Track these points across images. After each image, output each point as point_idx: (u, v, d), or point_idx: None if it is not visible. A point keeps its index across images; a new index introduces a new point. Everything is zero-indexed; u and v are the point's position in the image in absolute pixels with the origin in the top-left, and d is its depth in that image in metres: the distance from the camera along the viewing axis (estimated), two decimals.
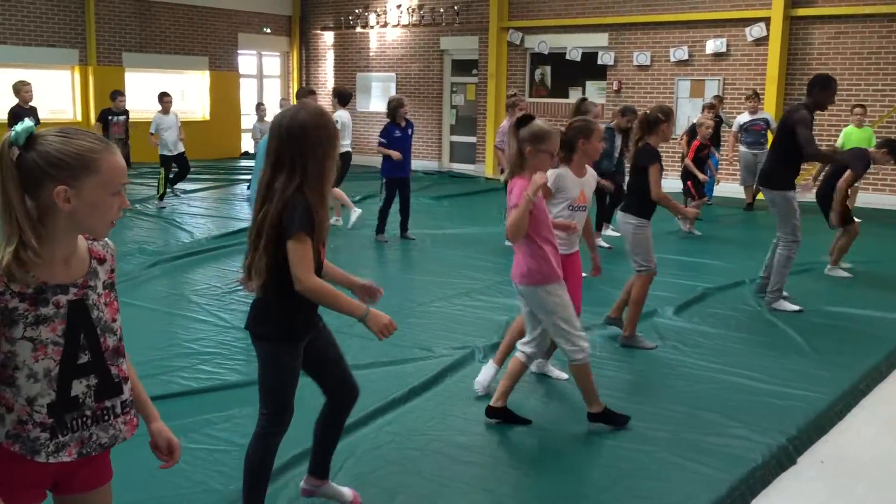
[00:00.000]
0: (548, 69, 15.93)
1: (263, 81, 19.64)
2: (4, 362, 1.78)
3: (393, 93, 17.43)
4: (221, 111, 17.98)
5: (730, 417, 4.23)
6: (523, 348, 4.10)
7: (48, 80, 15.27)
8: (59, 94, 15.69)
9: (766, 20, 13.16)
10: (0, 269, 1.73)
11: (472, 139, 17.05)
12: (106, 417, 1.90)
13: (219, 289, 6.84)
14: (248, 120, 17.22)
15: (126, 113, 11.57)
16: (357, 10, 18.18)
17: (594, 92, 15.27)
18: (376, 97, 17.85)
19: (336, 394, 3.16)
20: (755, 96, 11.84)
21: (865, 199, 12.00)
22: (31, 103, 10.12)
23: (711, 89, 13.79)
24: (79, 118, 15.88)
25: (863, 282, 7.41)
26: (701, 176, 9.70)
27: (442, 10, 16.93)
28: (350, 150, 10.27)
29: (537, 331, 4.05)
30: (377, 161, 9.80)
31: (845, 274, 7.58)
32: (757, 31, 13.31)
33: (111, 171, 1.80)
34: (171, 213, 10.80)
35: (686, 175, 9.99)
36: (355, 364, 4.89)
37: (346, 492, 3.30)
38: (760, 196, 11.15)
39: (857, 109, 10.84)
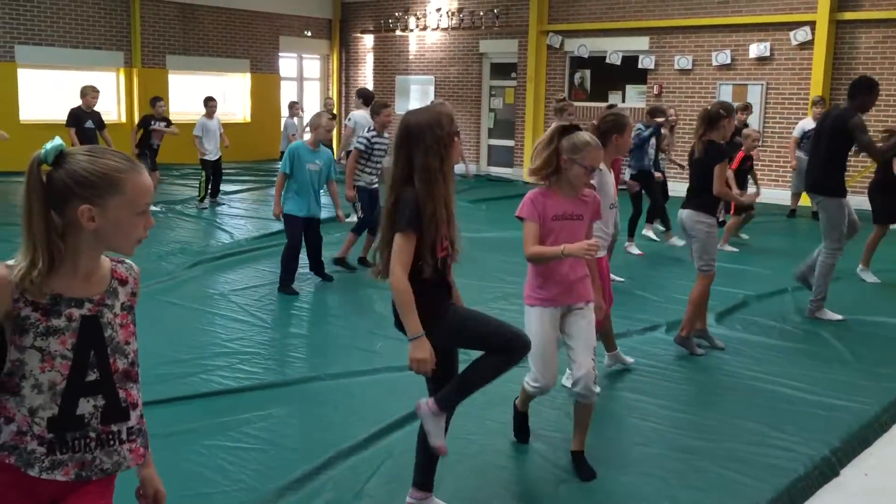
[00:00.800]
0: (587, 73, 15.85)
1: (303, 84, 19.82)
2: (12, 371, 1.77)
3: (431, 96, 17.50)
4: (262, 113, 18.17)
5: (771, 427, 4.16)
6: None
7: (94, 81, 15.48)
8: (104, 96, 15.92)
9: (812, 24, 12.95)
10: (13, 281, 1.74)
11: (510, 143, 17.02)
12: (111, 442, 1.84)
13: (258, 289, 6.91)
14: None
15: (166, 119, 11.70)
16: (397, 14, 18.26)
17: (634, 96, 15.17)
18: (415, 100, 17.90)
19: (498, 347, 3.04)
20: (822, 102, 11.32)
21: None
22: (93, 108, 10.28)
23: (754, 94, 13.61)
24: (123, 119, 16.16)
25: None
26: (735, 193, 9.21)
27: (481, 14, 16.93)
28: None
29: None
30: None
31: (874, 278, 7.55)
32: (802, 34, 13.10)
33: (136, 192, 1.80)
34: (212, 213, 10.94)
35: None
36: (391, 366, 4.95)
37: None
38: (804, 202, 10.98)
39: None
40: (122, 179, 1.78)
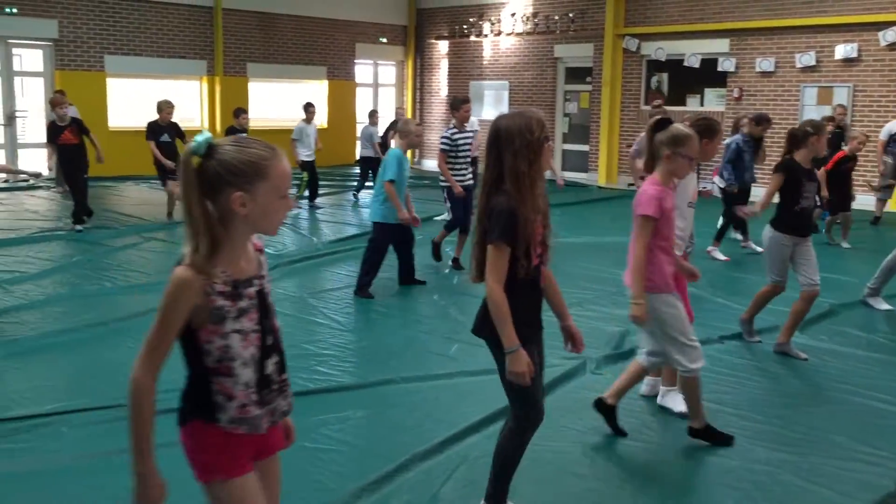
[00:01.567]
0: (665, 76, 15.59)
1: (378, 90, 20.05)
2: (221, 357, 1.97)
3: (506, 101, 17.49)
4: (338, 119, 18.46)
5: (859, 441, 4.01)
6: (645, 355, 4.03)
7: (178, 90, 16.06)
8: (187, 104, 16.49)
9: None
10: (201, 276, 1.90)
11: (585, 147, 16.87)
12: (284, 389, 2.11)
13: (334, 292, 7.01)
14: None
15: (246, 131, 11.98)
16: (471, 19, 18.31)
17: (713, 99, 14.85)
18: (489, 105, 17.92)
19: (519, 413, 3.10)
20: None
21: None
22: (169, 121, 10.61)
23: (840, 96, 13.15)
24: (206, 126, 16.63)
25: None
26: (822, 193, 8.92)
27: (556, 18, 16.84)
28: None
29: (654, 341, 3.96)
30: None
31: None
32: (891, 35, 12.61)
33: (280, 177, 1.96)
34: (292, 217, 11.16)
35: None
36: (465, 370, 4.95)
37: None
38: (893, 207, 10.55)
39: None
40: (267, 166, 1.93)
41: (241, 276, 1.99)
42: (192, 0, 16.18)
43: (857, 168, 11.23)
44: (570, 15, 16.58)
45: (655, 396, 4.51)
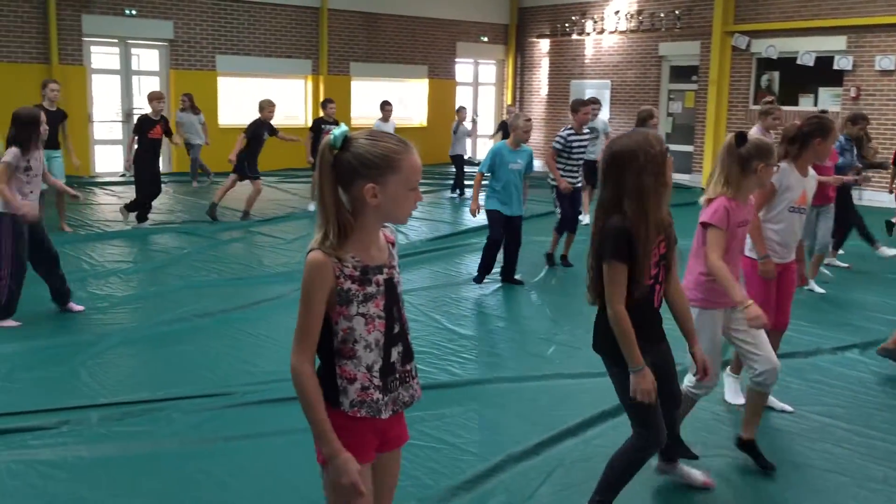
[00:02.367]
0: (776, 75, 15.02)
1: (478, 89, 20.08)
2: (345, 339, 2.05)
3: (607, 100, 17.21)
4: (438, 118, 18.57)
5: None
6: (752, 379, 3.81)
7: (284, 88, 16.50)
8: (293, 102, 16.92)
9: None
10: (333, 259, 1.99)
11: (689, 148, 16.42)
12: (407, 379, 2.17)
13: (432, 290, 7.05)
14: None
15: (336, 122, 12.09)
16: (574, 18, 18.11)
17: (828, 99, 14.21)
18: None
19: (638, 433, 3.07)
20: None
21: None
22: (270, 121, 10.87)
23: None
24: (309, 124, 17.00)
25: None
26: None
27: (662, 15, 16.46)
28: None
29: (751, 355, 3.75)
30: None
31: None
32: None
33: (410, 170, 2.05)
34: None
35: None
36: (562, 373, 4.90)
37: (697, 474, 3.44)
38: None
39: None
40: (399, 160, 2.03)
41: (371, 262, 2.06)
42: (300, 1, 16.59)
43: None
44: (677, 12, 16.17)
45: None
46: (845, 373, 5.02)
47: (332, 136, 2.01)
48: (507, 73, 19.99)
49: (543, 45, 19.11)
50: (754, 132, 7.66)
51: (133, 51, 15.40)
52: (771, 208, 4.12)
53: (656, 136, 2.88)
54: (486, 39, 19.48)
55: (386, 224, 2.17)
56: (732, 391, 4.49)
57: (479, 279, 7.24)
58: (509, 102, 19.47)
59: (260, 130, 10.49)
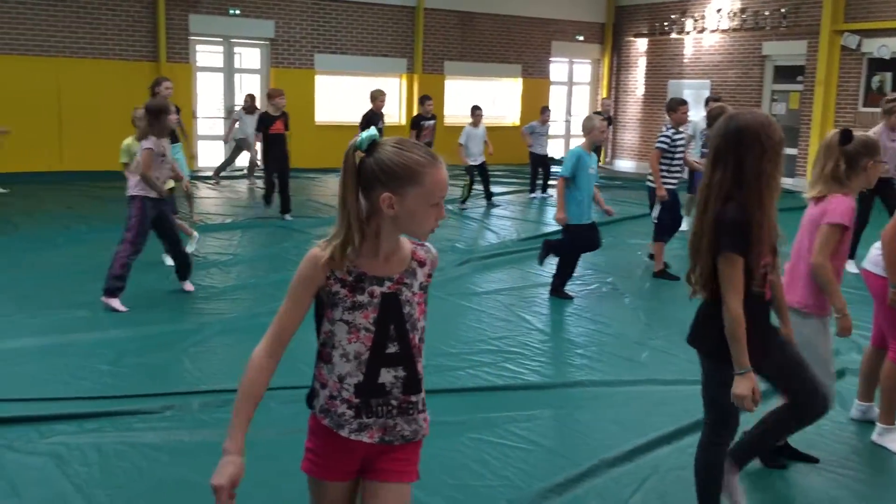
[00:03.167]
0: (888, 76, 14.32)
1: (573, 88, 19.88)
2: (325, 341, 1.99)
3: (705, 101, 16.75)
4: (531, 117, 18.36)
5: None
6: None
7: (378, 86, 16.61)
8: (387, 100, 17.07)
9: None
10: (325, 258, 1.92)
11: (793, 151, 15.83)
12: (410, 411, 2.02)
13: (523, 290, 7.02)
14: (556, 126, 17.55)
15: (434, 117, 12.20)
16: (673, 16, 17.71)
17: None
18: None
19: (798, 402, 3.08)
20: None
21: None
22: (382, 110, 11.04)
23: None
24: (403, 122, 17.21)
25: None
26: None
27: (766, 14, 15.93)
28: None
29: None
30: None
31: None
32: None
33: (433, 185, 1.92)
34: (482, 214, 11.31)
35: None
36: (656, 378, 4.80)
37: (740, 493, 3.20)
38: None
39: None
40: (422, 173, 1.91)
41: (372, 271, 1.96)
42: (397, 0, 16.78)
43: None
44: (782, 10, 15.61)
45: (866, 421, 4.17)
46: None
47: (358, 138, 1.93)
48: (602, 72, 19.71)
49: (641, 44, 18.77)
50: (877, 131, 7.31)
51: (235, 49, 15.88)
52: None
53: (776, 123, 2.70)
54: (581, 38, 19.26)
55: (425, 243, 2.07)
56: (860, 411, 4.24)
57: (558, 292, 6.76)
58: (604, 95, 19.19)
59: (375, 120, 10.69)
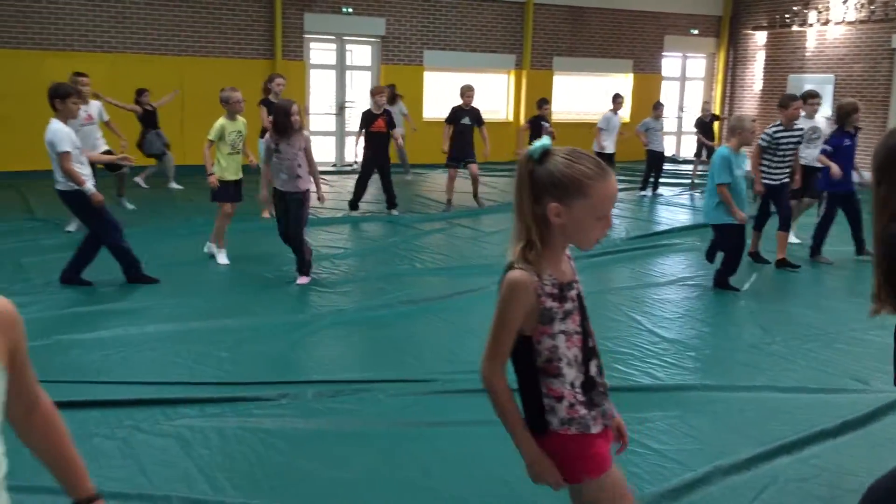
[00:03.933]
0: None
1: (685, 84, 19.35)
2: (549, 357, 2.04)
3: (830, 96, 16.00)
4: (643, 113, 17.98)
5: None
6: None
7: (487, 83, 16.72)
8: (495, 96, 17.13)
9: None
10: (535, 281, 1.97)
11: None
12: (607, 392, 2.14)
13: (633, 290, 6.89)
14: (667, 123, 17.10)
15: (549, 122, 12.34)
16: (795, 8, 16.98)
17: None
18: None
19: None
20: None
21: None
22: (471, 105, 11.09)
23: None
24: (511, 118, 17.17)
25: None
26: None
27: None
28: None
29: None
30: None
31: None
32: None
33: (601, 198, 1.97)
34: None
35: None
36: (775, 385, 4.62)
37: None
38: None
39: None
40: (590, 186, 1.96)
41: (564, 279, 2.05)
42: None
43: None
44: None
45: None
46: None
47: (532, 147, 1.99)
48: (717, 67, 19.11)
49: (759, 37, 18.08)
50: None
51: (347, 46, 16.21)
52: None
53: None
54: (696, 32, 18.72)
55: None
56: None
57: (724, 285, 6.88)
58: (707, 99, 18.61)
59: (460, 115, 10.73)
